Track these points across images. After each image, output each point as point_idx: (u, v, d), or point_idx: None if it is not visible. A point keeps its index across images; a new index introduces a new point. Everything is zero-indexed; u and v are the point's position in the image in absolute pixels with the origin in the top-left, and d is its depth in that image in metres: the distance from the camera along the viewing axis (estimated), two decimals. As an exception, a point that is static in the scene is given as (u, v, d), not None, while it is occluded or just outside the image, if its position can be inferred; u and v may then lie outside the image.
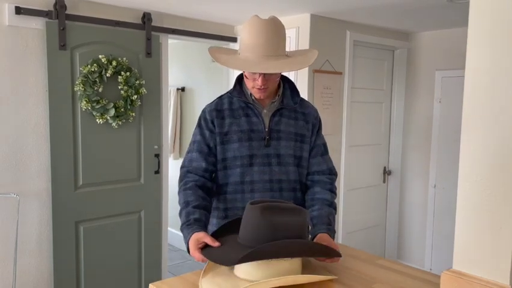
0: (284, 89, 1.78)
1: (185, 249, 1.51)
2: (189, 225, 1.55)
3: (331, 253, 1.39)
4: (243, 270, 1.29)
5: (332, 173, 1.83)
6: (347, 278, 1.41)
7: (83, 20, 2.92)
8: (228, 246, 1.36)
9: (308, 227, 1.84)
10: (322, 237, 1.56)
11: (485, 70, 1.00)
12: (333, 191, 1.79)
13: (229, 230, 1.47)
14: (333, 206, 1.74)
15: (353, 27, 3.65)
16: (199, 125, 1.76)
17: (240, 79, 1.78)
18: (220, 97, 1.79)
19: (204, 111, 1.77)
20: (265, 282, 1.24)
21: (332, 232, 1.63)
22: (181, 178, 1.73)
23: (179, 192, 1.70)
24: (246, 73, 1.67)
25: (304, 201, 1.79)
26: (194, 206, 1.61)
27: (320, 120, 1.85)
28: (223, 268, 1.37)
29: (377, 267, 1.53)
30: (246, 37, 1.62)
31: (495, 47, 0.98)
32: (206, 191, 1.70)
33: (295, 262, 1.32)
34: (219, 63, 1.67)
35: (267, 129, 1.70)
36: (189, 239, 1.49)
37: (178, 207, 1.68)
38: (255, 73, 1.62)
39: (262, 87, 1.64)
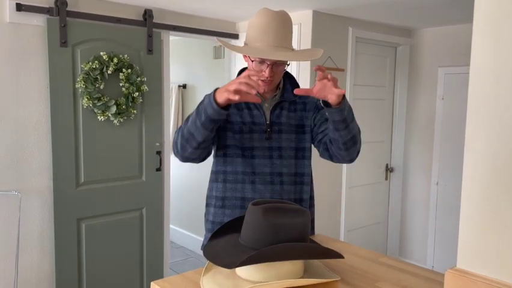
0: (285, 83, 1.79)
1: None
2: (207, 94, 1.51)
3: (332, 255, 1.38)
4: (245, 270, 1.29)
5: None
6: (349, 276, 1.41)
7: (84, 16, 2.91)
8: (229, 246, 1.35)
9: (314, 228, 1.84)
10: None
11: (490, 67, 0.99)
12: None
13: (229, 229, 1.46)
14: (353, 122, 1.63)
15: (355, 24, 3.63)
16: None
17: (241, 73, 1.78)
18: None
19: None
20: (267, 285, 1.23)
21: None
22: (178, 131, 1.64)
23: (181, 129, 1.60)
24: (252, 66, 1.65)
25: (307, 194, 1.78)
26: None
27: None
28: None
29: (379, 265, 1.52)
30: (256, 27, 1.61)
31: (501, 43, 0.97)
32: None
33: (298, 263, 1.32)
34: (235, 51, 1.69)
35: (268, 122, 1.71)
36: (214, 92, 1.47)
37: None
38: (262, 64, 1.62)
39: (269, 78, 1.63)
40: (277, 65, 1.63)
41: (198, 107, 1.54)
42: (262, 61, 1.61)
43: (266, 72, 1.61)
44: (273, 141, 1.70)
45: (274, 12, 1.62)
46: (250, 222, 1.32)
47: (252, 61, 1.64)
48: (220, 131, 1.69)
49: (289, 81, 1.81)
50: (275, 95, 1.75)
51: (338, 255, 1.36)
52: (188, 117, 1.59)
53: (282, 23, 1.61)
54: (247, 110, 1.71)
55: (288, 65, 1.70)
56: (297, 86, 1.81)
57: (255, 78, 1.46)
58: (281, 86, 1.77)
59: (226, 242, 1.39)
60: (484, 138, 1.01)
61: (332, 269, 1.44)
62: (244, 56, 1.70)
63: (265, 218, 1.28)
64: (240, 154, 1.69)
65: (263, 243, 1.26)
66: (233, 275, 1.32)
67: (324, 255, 1.38)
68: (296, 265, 1.31)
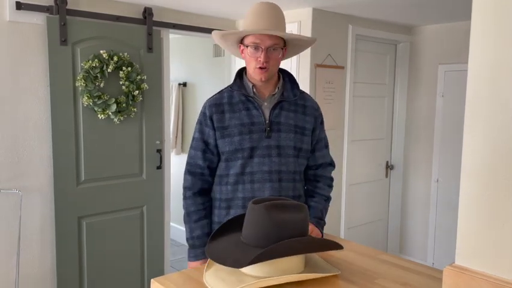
0: (284, 82, 1.81)
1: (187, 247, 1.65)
2: (193, 246, 1.77)
3: (332, 246, 1.39)
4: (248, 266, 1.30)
5: (333, 165, 1.95)
6: (349, 273, 1.41)
7: (84, 15, 2.91)
8: (232, 246, 1.35)
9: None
10: (309, 226, 1.57)
11: (489, 64, 0.99)
12: (331, 185, 1.93)
13: (229, 228, 1.46)
14: (328, 201, 1.90)
15: (355, 21, 3.63)
16: (199, 121, 1.79)
17: (240, 73, 1.81)
18: (221, 91, 1.82)
19: (204, 106, 1.80)
20: (268, 280, 1.24)
21: (320, 225, 1.80)
22: (184, 179, 1.82)
23: (182, 198, 1.81)
24: (248, 52, 1.69)
25: (303, 190, 1.85)
26: (195, 220, 1.76)
27: (321, 113, 1.88)
28: None
29: (379, 263, 1.52)
30: (250, 15, 1.70)
31: (499, 40, 0.97)
32: (204, 193, 1.80)
33: (299, 257, 1.33)
34: (231, 35, 1.72)
35: (267, 121, 1.72)
36: (193, 262, 1.77)
37: (180, 203, 1.77)
38: (257, 51, 1.66)
39: (265, 64, 1.66)
40: (272, 51, 1.67)
41: (186, 238, 1.81)
42: (256, 47, 1.66)
43: (261, 57, 1.65)
44: (272, 140, 1.72)
45: (267, 2, 1.71)
46: (252, 221, 1.32)
47: (247, 47, 1.68)
48: (219, 139, 1.73)
49: (289, 79, 1.83)
50: (274, 94, 1.76)
51: (338, 246, 1.37)
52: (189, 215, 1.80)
53: (274, 11, 1.70)
54: (245, 111, 1.73)
55: (282, 55, 1.72)
56: (296, 84, 1.84)
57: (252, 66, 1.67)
58: (280, 84, 1.78)
59: (227, 243, 1.39)
60: (481, 134, 1.01)
61: (332, 265, 1.45)
62: (241, 52, 1.74)
63: (269, 215, 1.28)
64: (240, 156, 1.72)
65: (267, 240, 1.27)
66: (236, 271, 1.32)
67: (325, 246, 1.40)
68: (298, 259, 1.33)
